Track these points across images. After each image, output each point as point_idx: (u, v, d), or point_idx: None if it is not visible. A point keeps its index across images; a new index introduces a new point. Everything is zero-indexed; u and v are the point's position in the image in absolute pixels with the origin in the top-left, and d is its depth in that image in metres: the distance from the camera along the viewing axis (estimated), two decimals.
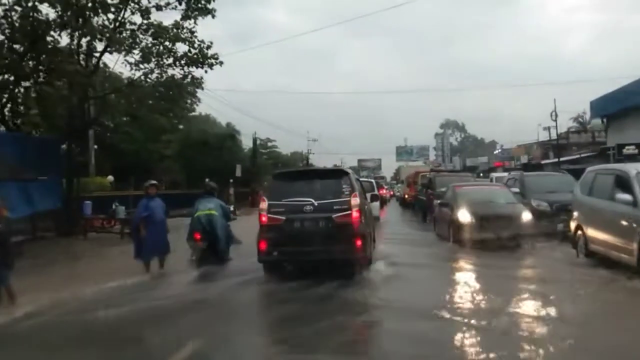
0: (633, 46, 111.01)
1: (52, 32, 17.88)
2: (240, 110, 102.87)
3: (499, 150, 57.01)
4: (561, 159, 42.15)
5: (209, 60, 22.12)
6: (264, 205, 9.69)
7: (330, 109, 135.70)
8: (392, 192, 58.83)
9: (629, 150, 28.97)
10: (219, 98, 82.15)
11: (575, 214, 10.96)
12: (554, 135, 57.07)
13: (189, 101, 47.69)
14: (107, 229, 20.63)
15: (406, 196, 36.98)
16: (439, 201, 15.61)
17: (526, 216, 12.72)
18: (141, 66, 21.81)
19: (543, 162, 45.16)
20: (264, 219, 9.60)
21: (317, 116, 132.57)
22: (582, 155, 39.31)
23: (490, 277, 9.43)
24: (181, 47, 21.67)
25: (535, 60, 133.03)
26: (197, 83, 22.18)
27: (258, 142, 71.74)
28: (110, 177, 29.56)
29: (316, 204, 9.37)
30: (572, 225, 10.96)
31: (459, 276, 10.14)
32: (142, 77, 22.16)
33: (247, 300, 8.81)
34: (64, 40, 18.96)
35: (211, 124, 47.28)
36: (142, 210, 11.58)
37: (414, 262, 11.65)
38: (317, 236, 9.29)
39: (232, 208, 31.94)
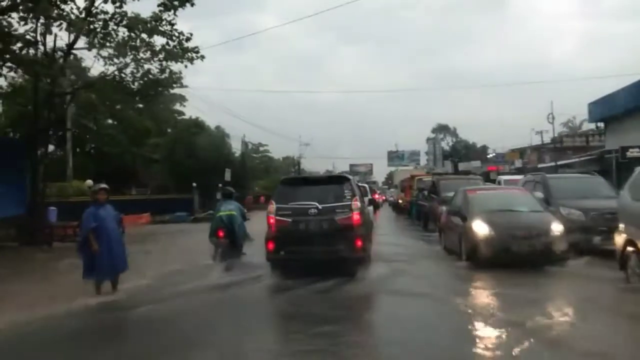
0: (619, 52, 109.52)
1: (5, 16, 15.49)
2: (232, 113, 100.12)
3: (493, 154, 54.80)
4: (558, 163, 40.11)
5: (189, 54, 19.84)
6: (272, 208, 10.11)
7: (322, 114, 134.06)
8: (384, 197, 57.00)
9: (634, 152, 26.99)
10: (211, 102, 79.91)
11: (623, 225, 8.49)
12: (546, 139, 56.10)
13: (177, 104, 45.51)
14: (76, 237, 18.26)
15: (400, 201, 34.60)
16: (446, 208, 12.98)
17: (556, 227, 9.94)
18: (115, 60, 19.56)
19: (539, 165, 42.97)
20: (272, 220, 10.02)
21: (309, 122, 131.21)
22: (582, 158, 37.14)
23: (519, 325, 6.19)
24: (159, 41, 19.43)
25: (523, 67, 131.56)
26: (176, 78, 19.80)
27: (250, 146, 69.61)
28: (89, 182, 26.93)
29: (320, 207, 9.80)
30: (619, 239, 8.41)
31: (477, 317, 6.97)
32: (116, 73, 19.89)
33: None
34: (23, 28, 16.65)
35: (200, 127, 44.60)
36: (91, 220, 9.17)
37: (418, 291, 8.75)
38: (321, 237, 9.68)
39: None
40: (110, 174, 33.58)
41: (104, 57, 19.46)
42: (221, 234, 11.77)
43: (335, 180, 10.98)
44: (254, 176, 57.60)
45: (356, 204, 9.86)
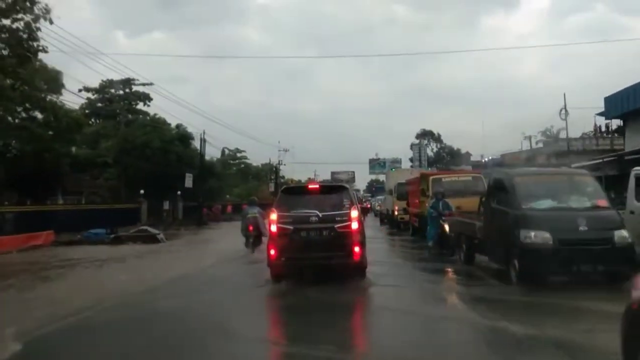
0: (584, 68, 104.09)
1: None
2: (211, 118, 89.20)
3: (489, 159, 46.41)
4: (572, 166, 31.65)
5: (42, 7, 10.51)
6: (274, 216, 9.68)
7: (303, 124, 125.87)
8: (369, 205, 48.23)
9: None
10: (189, 107, 70.40)
11: None
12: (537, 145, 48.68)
13: (140, 104, 35.57)
14: None
15: (396, 213, 23.47)
16: None
17: None
18: None
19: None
20: (274, 228, 9.64)
21: (290, 131, 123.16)
22: (605, 159, 28.64)
23: None
24: None
25: (500, 79, 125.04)
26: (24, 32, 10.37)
27: (226, 152, 59.80)
28: None
29: (320, 215, 9.49)
30: None
31: None
32: None
33: None
34: None
35: (158, 124, 34.93)
36: None
37: None
38: (321, 244, 9.41)
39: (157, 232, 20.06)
40: (25, 178, 23.92)
41: None
42: (251, 228, 14.40)
43: (334, 189, 10.55)
44: (224, 183, 48.13)
45: (354, 212, 9.56)
